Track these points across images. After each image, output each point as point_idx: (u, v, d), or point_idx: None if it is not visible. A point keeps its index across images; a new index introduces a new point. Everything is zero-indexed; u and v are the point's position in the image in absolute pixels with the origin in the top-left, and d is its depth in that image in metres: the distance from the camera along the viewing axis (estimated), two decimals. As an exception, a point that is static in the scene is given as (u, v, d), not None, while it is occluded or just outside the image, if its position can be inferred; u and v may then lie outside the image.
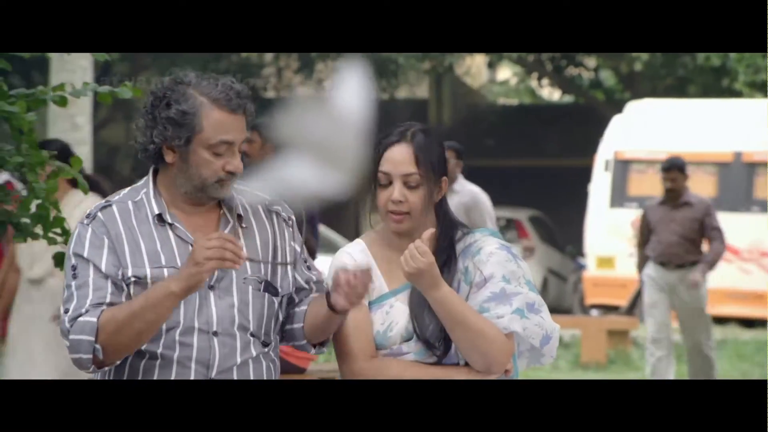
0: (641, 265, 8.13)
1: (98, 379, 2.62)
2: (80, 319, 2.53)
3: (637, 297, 11.38)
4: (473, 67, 22.06)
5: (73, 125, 10.01)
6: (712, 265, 7.95)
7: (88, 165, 9.99)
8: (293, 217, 2.79)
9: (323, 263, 3.12)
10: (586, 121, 18.43)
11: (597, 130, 13.95)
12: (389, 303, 2.67)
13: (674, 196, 8.00)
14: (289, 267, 2.71)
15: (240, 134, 2.61)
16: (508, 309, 2.60)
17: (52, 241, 3.50)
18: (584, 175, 13.94)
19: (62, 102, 3.62)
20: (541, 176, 19.79)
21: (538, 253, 16.28)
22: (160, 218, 2.62)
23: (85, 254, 2.58)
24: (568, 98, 21.65)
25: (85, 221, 2.61)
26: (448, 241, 2.69)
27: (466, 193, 7.97)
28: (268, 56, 18.75)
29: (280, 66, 19.03)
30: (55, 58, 9.95)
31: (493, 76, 25.69)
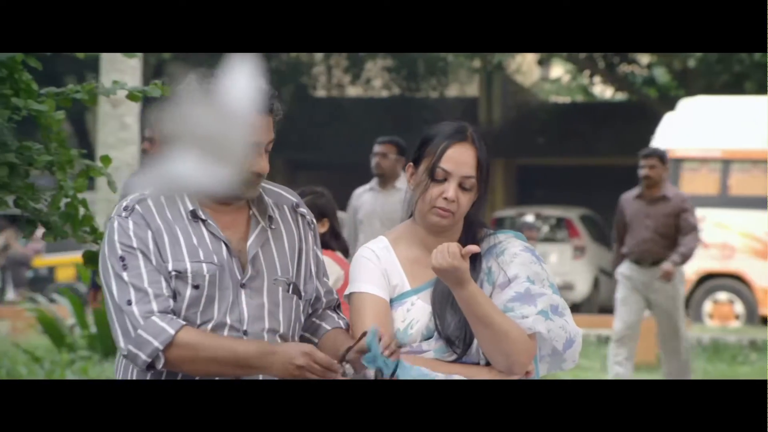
0: (616, 264, 7.73)
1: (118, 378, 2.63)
2: (155, 319, 2.52)
3: (689, 297, 11.21)
4: (524, 65, 21.89)
5: (122, 125, 10.11)
6: (684, 257, 7.41)
7: (135, 164, 10.09)
8: (315, 221, 2.79)
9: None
10: (638, 119, 18.20)
11: (650, 128, 13.77)
12: (410, 301, 2.66)
13: (650, 186, 7.47)
14: (313, 273, 2.72)
15: (267, 135, 2.61)
16: (532, 309, 2.58)
17: (80, 240, 3.51)
18: (635, 173, 13.78)
19: (91, 100, 3.63)
20: (593, 175, 19.60)
21: (590, 253, 16.12)
22: (193, 214, 2.62)
23: (134, 244, 2.56)
24: (621, 96, 21.40)
25: (123, 213, 2.60)
26: (471, 239, 2.67)
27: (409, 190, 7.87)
28: (318, 55, 18.78)
29: (330, 65, 19.06)
30: (105, 58, 10.04)
31: (545, 73, 25.50)
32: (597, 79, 19.92)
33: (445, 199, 2.61)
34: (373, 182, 7.05)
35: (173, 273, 2.56)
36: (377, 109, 18.95)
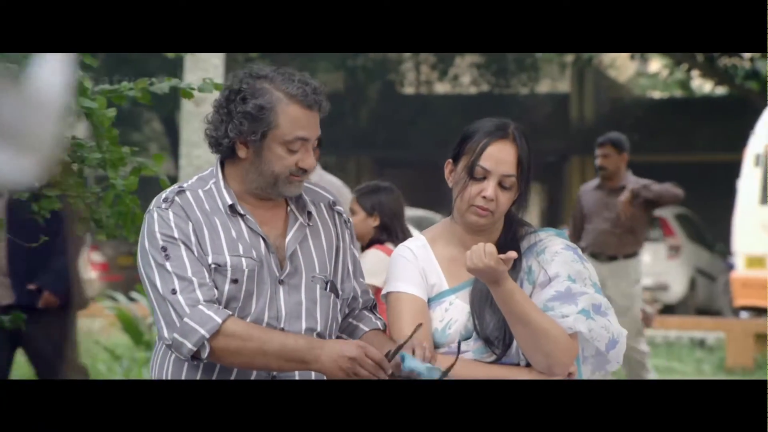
0: None
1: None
2: (201, 307, 2.51)
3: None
4: (618, 60, 21.55)
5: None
6: (651, 191, 6.84)
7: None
8: (351, 220, 2.78)
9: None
10: (739, 114, 17.75)
11: (751, 124, 13.39)
12: (449, 300, 2.63)
13: (607, 177, 7.01)
14: (350, 272, 2.71)
15: (314, 131, 2.60)
16: (573, 309, 2.53)
17: (133, 238, 3.53)
18: (735, 170, 13.42)
19: (144, 98, 3.65)
20: (690, 172, 19.16)
21: (686, 252, 15.77)
22: (232, 209, 2.62)
23: (175, 235, 2.56)
24: (722, 90, 20.89)
25: (163, 205, 2.60)
26: (511, 237, 2.64)
27: (325, 183, 7.60)
28: (406, 52, 18.78)
29: (418, 61, 19.03)
30: (188, 57, 10.17)
31: (642, 68, 25.05)
32: (695, 72, 19.47)
33: (484, 197, 2.57)
34: None
35: (213, 266, 2.56)
36: (465, 106, 18.85)
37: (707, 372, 9.57)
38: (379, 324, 2.74)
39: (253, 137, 2.57)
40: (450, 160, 2.66)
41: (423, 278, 2.63)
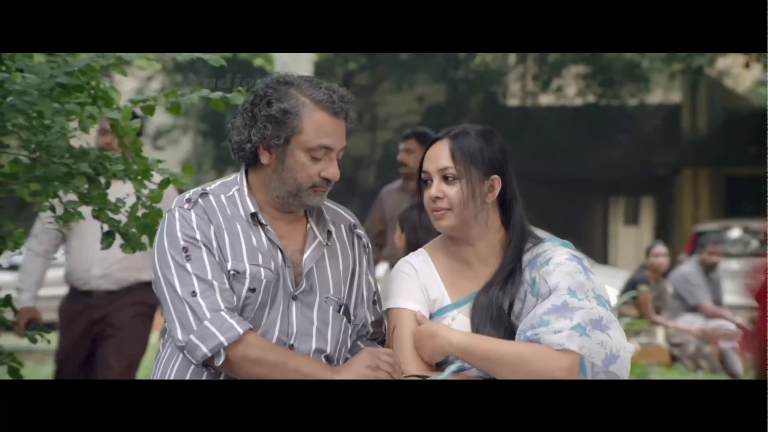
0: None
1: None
2: (223, 314, 2.49)
3: None
4: (734, 68, 20.93)
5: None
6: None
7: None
8: (370, 246, 2.75)
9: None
10: None
11: None
12: (451, 315, 2.61)
13: (410, 175, 5.97)
14: (365, 299, 2.68)
15: (340, 140, 2.57)
16: (567, 323, 2.49)
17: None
18: None
19: (174, 108, 3.63)
20: (810, 186, 18.48)
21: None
22: (254, 217, 2.59)
23: (197, 236, 2.54)
24: None
25: (186, 205, 2.59)
26: (516, 251, 2.61)
27: None
28: (510, 63, 18.61)
29: (523, 72, 18.82)
30: (277, 63, 10.24)
31: (763, 77, 24.28)
32: (817, 82, 18.76)
33: (431, 198, 2.59)
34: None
35: (232, 272, 2.53)
36: (570, 118, 18.57)
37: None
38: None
39: (276, 141, 2.55)
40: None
41: (424, 293, 2.62)
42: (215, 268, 2.51)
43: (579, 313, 2.50)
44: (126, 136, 3.46)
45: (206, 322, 2.47)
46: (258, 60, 11.69)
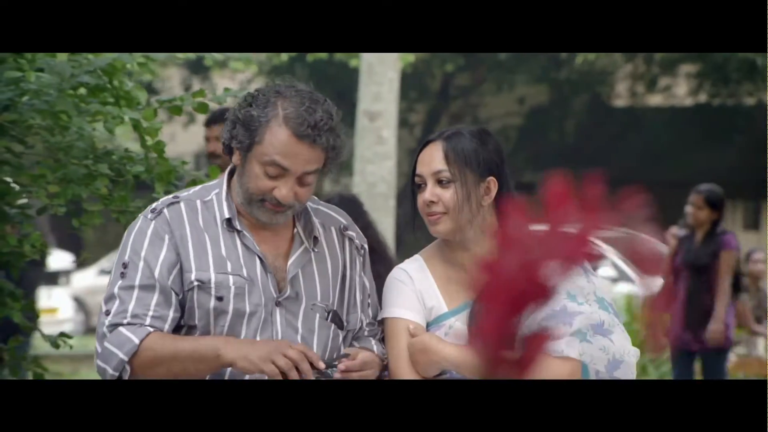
0: None
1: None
2: (121, 329, 2.48)
3: None
4: None
5: (379, 138, 10.20)
6: None
7: (392, 179, 10.15)
8: (366, 246, 2.70)
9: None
10: None
11: None
12: (448, 324, 2.57)
13: None
14: (359, 302, 2.63)
15: (299, 165, 2.49)
16: (567, 330, 2.44)
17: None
18: None
19: (201, 109, 3.62)
20: None
21: None
22: (228, 223, 2.56)
23: (142, 253, 2.52)
24: None
25: (150, 215, 2.57)
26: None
27: None
28: (618, 63, 18.24)
29: (633, 72, 18.42)
30: (364, 70, 10.21)
31: None
32: None
33: (425, 202, 2.56)
34: None
35: (196, 283, 2.50)
36: (680, 119, 18.09)
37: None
38: (376, 350, 2.63)
39: (239, 145, 2.53)
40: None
41: (420, 302, 2.58)
42: (143, 295, 2.47)
43: (579, 319, 2.44)
44: (149, 136, 3.44)
45: (106, 342, 2.48)
46: (354, 61, 11.69)
